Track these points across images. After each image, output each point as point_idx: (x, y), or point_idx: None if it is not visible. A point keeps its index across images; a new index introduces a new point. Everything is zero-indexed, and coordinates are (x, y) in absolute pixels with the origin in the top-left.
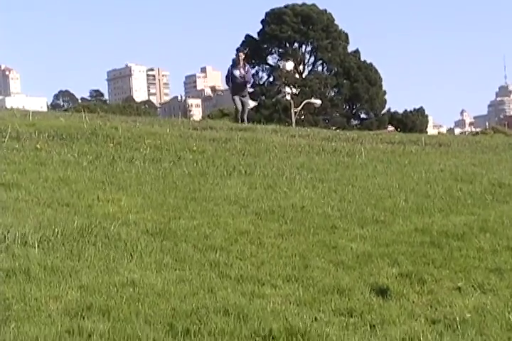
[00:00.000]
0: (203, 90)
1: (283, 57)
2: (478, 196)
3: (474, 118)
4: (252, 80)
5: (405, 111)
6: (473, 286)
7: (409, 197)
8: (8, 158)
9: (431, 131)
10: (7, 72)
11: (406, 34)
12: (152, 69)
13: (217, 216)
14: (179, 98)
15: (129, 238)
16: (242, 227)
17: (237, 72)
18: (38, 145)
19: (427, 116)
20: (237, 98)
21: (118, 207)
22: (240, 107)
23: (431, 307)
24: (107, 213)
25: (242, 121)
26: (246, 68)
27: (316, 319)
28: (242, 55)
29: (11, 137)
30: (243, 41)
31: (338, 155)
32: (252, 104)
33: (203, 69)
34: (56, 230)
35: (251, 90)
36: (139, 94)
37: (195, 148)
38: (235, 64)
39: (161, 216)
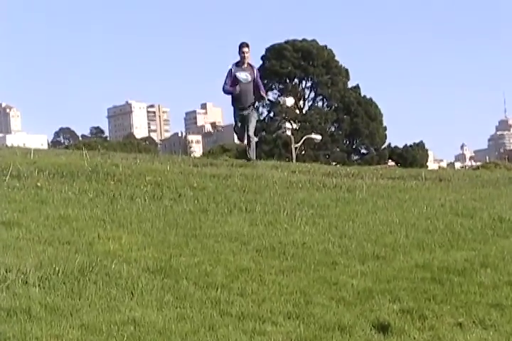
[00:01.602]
0: (203, 126)
1: (283, 92)
2: (478, 231)
3: (474, 152)
4: (263, 88)
5: (405, 145)
6: (474, 322)
7: (410, 232)
8: (8, 197)
9: (431, 165)
10: (8, 110)
11: (406, 69)
12: (152, 106)
13: (218, 253)
14: (179, 134)
15: (130, 276)
16: (243, 264)
17: (242, 75)
18: (38, 184)
19: (427, 151)
20: (239, 119)
21: (119, 244)
22: (243, 136)
23: None
24: (107, 251)
25: (249, 158)
26: (254, 71)
27: None
28: (247, 51)
29: (12, 175)
30: None
31: (338, 190)
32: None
33: (203, 106)
34: (57, 268)
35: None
36: (140, 131)
37: (195, 185)
38: (239, 64)
39: (162, 253)
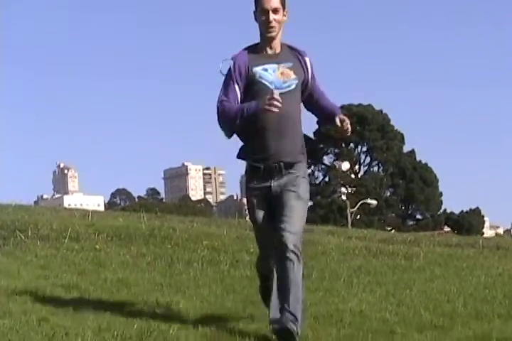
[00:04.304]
0: None
1: (339, 157)
2: None
3: None
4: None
5: (461, 211)
6: None
7: (468, 302)
8: (68, 259)
9: (488, 232)
10: (65, 171)
11: (463, 134)
12: (208, 168)
13: None
14: (235, 197)
15: None
16: (301, 332)
17: (271, 74)
18: (97, 246)
19: (483, 217)
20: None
21: (177, 310)
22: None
23: None
24: (165, 316)
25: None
26: (303, 62)
27: None
28: (278, 8)
29: (71, 237)
30: None
31: (395, 257)
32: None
33: None
34: (115, 333)
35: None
36: (195, 193)
37: (252, 250)
38: (258, 46)
39: (220, 320)
